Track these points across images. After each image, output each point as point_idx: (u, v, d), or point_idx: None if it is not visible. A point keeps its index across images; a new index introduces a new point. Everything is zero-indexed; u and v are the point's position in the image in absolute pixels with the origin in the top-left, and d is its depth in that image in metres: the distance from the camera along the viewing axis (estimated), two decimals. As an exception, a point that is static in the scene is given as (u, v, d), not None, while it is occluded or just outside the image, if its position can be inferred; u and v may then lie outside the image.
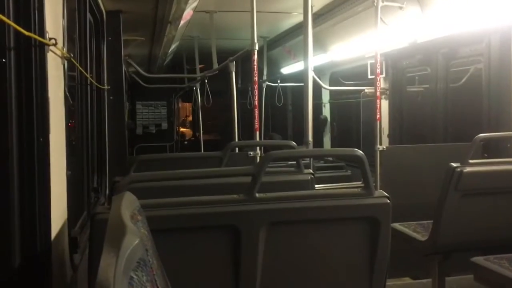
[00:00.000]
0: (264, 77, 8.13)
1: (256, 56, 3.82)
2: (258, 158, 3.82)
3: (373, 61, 4.34)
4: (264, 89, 8.28)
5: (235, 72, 4.67)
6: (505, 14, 3.45)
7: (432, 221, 2.80)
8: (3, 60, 1.56)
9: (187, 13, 4.56)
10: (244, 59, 5.44)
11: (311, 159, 4.11)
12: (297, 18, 5.87)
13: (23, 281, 1.61)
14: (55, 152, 1.78)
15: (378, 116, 4.15)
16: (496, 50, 3.71)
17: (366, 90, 5.90)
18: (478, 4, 3.64)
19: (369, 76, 5.14)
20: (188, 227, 1.81)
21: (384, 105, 5.27)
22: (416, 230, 3.01)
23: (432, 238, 2.77)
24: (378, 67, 4.13)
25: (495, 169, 2.80)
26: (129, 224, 1.00)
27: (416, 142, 4.92)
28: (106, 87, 4.14)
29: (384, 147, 3.99)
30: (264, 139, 8.84)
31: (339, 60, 6.37)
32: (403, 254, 2.88)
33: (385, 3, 4.06)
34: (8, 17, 1.52)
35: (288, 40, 7.17)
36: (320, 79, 5.48)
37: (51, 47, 1.74)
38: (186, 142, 11.66)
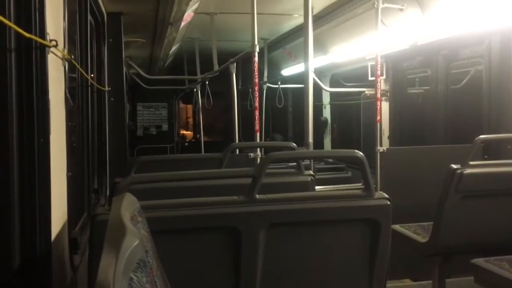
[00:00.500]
0: (265, 79, 8.14)
1: (256, 58, 3.82)
2: (258, 159, 3.82)
3: (373, 63, 4.34)
4: (264, 90, 8.28)
5: (235, 74, 4.67)
6: (505, 15, 3.45)
7: (432, 222, 2.79)
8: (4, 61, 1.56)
9: (188, 15, 4.57)
10: (245, 61, 5.43)
11: (312, 160, 4.10)
12: (298, 20, 5.88)
13: (23, 282, 1.61)
14: (55, 154, 1.78)
15: (378, 117, 4.15)
16: (497, 51, 3.71)
17: (366, 92, 5.91)
18: (478, 6, 3.64)
19: (370, 78, 5.14)
20: (188, 228, 1.81)
21: (384, 107, 5.27)
22: (416, 232, 3.01)
23: (432, 239, 2.76)
24: (379, 68, 4.13)
25: (496, 170, 2.80)
26: (129, 225, 1.00)
27: (417, 143, 4.92)
28: (106, 88, 4.14)
29: (385, 149, 3.98)
30: (266, 140, 8.86)
31: (340, 61, 6.37)
32: (403, 256, 2.88)
33: (386, 5, 4.06)
34: (9, 19, 1.53)
35: (289, 41, 7.18)
36: (320, 81, 5.48)
37: (52, 49, 1.74)
38: (186, 144, 11.66)
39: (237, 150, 4.14)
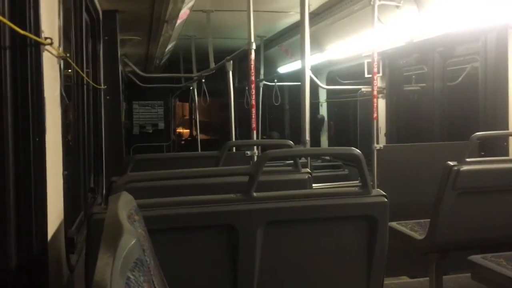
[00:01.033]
0: (261, 76, 8.13)
1: (253, 55, 3.81)
2: (255, 157, 3.82)
3: (370, 60, 4.34)
4: (261, 88, 8.28)
5: (232, 72, 4.66)
6: (501, 12, 3.46)
7: (429, 219, 2.80)
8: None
9: (184, 13, 4.55)
10: (241, 59, 5.43)
11: (309, 158, 4.11)
12: (294, 17, 5.87)
13: (19, 282, 1.60)
14: (51, 152, 1.77)
15: (375, 115, 4.15)
16: (492, 48, 3.72)
17: (363, 89, 5.90)
18: (474, 3, 3.65)
19: (366, 75, 5.14)
20: (186, 226, 1.81)
21: (381, 104, 5.27)
22: (413, 229, 3.01)
23: (429, 236, 2.77)
24: (375, 66, 4.13)
25: (492, 167, 2.81)
26: (126, 224, 0.99)
27: (413, 140, 4.93)
28: (102, 86, 4.13)
29: (381, 146, 3.99)
30: (263, 138, 8.85)
31: (336, 59, 6.37)
32: (400, 253, 2.88)
33: (382, 2, 4.06)
34: (3, 16, 1.51)
35: (285, 39, 7.17)
36: (317, 78, 5.48)
37: (47, 47, 1.73)
38: (183, 142, 11.65)
39: (234, 148, 4.14)
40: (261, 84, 8.23)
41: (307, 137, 3.69)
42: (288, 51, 7.73)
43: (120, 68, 4.99)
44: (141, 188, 2.07)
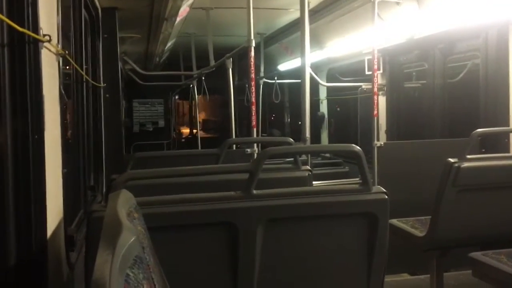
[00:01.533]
0: (261, 74, 8.11)
1: (253, 53, 3.80)
2: (255, 155, 3.81)
3: (370, 57, 4.33)
4: (261, 86, 8.26)
5: (232, 69, 4.65)
6: (502, 9, 3.45)
7: (430, 216, 2.79)
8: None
9: (183, 10, 4.54)
10: (241, 56, 5.41)
11: (309, 155, 4.10)
12: (294, 14, 5.85)
13: (19, 280, 1.60)
14: (50, 150, 1.77)
15: (375, 112, 4.14)
16: (493, 45, 3.71)
17: (363, 86, 5.89)
18: (475, -1, 3.64)
19: (366, 72, 5.12)
20: (185, 224, 1.81)
21: (381, 101, 5.26)
22: (414, 226, 3.01)
23: (430, 233, 2.76)
24: (375, 63, 4.12)
25: (493, 164, 2.80)
26: (125, 222, 0.99)
27: (414, 137, 4.92)
28: (102, 84, 4.12)
29: (382, 143, 3.98)
30: (263, 135, 8.85)
31: (336, 56, 6.35)
32: (401, 250, 2.88)
33: (382, -2, 4.05)
34: (1, 13, 1.51)
35: (285, 36, 7.15)
36: (317, 76, 5.46)
37: (46, 44, 1.72)
38: (183, 140, 11.65)
39: (234, 146, 4.13)
40: (261, 82, 8.21)
41: (307, 135, 3.68)
42: (288, 49, 7.71)
43: (120, 66, 4.98)
44: (141, 186, 2.06)
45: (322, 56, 6.41)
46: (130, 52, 7.06)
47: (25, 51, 1.59)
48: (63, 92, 2.12)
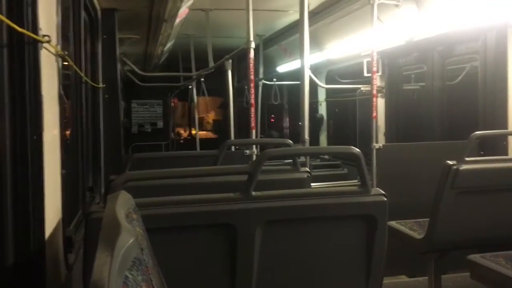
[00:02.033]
0: (260, 76, 8.11)
1: (252, 54, 3.80)
2: (254, 156, 3.81)
3: (369, 59, 4.33)
4: (260, 87, 8.26)
5: (231, 71, 4.65)
6: (501, 12, 3.45)
7: (428, 219, 2.79)
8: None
9: (183, 11, 4.54)
10: (240, 58, 5.41)
11: (308, 157, 4.10)
12: (293, 16, 5.86)
13: (17, 281, 1.59)
14: (49, 151, 1.76)
15: (374, 114, 4.14)
16: (492, 48, 3.71)
17: (362, 88, 5.89)
18: (474, 2, 3.64)
19: (365, 74, 5.13)
20: (184, 225, 1.80)
21: (380, 103, 5.27)
22: (412, 228, 3.01)
23: (428, 236, 2.76)
24: (375, 65, 4.13)
25: (491, 166, 2.80)
26: (124, 223, 0.99)
27: (413, 140, 4.92)
28: (101, 85, 4.12)
29: (381, 145, 3.98)
30: (261, 137, 8.84)
31: (335, 58, 6.36)
32: (399, 252, 2.88)
33: (381, 1, 4.05)
34: (1, 13, 1.50)
35: (284, 38, 7.16)
36: (316, 77, 5.47)
37: (45, 45, 1.72)
38: (182, 141, 11.64)
39: (233, 147, 4.13)
40: (260, 83, 8.21)
41: (306, 136, 3.68)
42: (287, 50, 7.72)
43: (119, 67, 4.98)
44: (139, 187, 2.06)
45: (321, 58, 6.42)
46: (129, 53, 7.06)
47: (24, 52, 1.58)
48: (62, 92, 2.11)
